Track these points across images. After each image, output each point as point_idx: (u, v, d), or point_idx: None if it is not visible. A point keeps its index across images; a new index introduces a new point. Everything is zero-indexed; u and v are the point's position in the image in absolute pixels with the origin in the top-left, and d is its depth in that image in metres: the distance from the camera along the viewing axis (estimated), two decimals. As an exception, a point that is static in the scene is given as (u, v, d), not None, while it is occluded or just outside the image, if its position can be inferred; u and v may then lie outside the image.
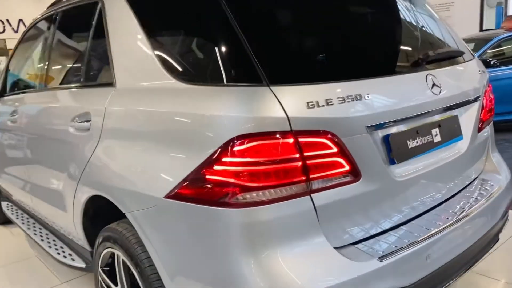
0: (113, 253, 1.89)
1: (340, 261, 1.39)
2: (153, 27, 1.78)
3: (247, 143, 1.32)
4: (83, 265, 2.38)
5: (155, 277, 1.63)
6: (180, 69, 1.60)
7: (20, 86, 3.23)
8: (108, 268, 2.01)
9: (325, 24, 1.64)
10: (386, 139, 1.56)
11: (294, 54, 1.51)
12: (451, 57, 1.94)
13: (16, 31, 19.88)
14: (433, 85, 1.69)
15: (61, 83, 2.47)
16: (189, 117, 1.44)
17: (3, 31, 19.20)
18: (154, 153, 1.55)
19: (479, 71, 2.07)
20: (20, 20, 19.82)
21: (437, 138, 1.77)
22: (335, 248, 1.42)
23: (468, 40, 6.81)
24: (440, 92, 1.71)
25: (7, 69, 3.27)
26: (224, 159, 1.33)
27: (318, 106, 1.36)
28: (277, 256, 1.34)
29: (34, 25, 3.02)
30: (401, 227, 1.62)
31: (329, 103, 1.38)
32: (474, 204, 1.83)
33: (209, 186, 1.36)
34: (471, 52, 2.16)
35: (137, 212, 1.59)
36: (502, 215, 1.97)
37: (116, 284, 1.93)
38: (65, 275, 3.01)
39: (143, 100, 1.66)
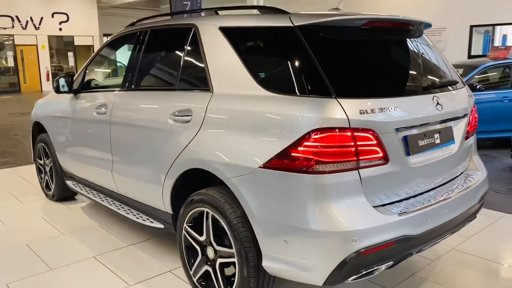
0: (202, 212, 2.61)
1: (374, 214, 2.15)
2: (244, 51, 2.53)
3: (321, 133, 2.08)
4: (161, 226, 3.08)
5: (240, 225, 2.36)
6: (272, 83, 2.34)
7: (103, 86, 3.95)
8: (191, 224, 2.73)
9: (375, 61, 2.44)
10: (405, 138, 2.33)
11: (353, 78, 2.29)
12: (449, 85, 2.73)
13: (25, 28, 20.48)
14: (437, 103, 2.48)
15: (155, 86, 3.21)
16: (281, 115, 2.19)
17: (12, 27, 19.81)
18: (250, 138, 2.29)
19: (468, 95, 2.87)
20: (30, 18, 20.41)
21: (438, 141, 2.54)
22: (372, 206, 2.18)
23: (458, 66, 7.72)
24: (441, 109, 2.50)
25: (85, 71, 3.98)
26: (305, 143, 2.09)
27: (366, 113, 2.13)
28: (329, 206, 2.09)
29: (117, 38, 3.75)
30: (412, 198, 2.39)
31: (373, 111, 2.15)
32: (461, 189, 2.61)
33: (294, 160, 2.11)
34: (463, 81, 2.95)
35: (234, 178, 2.33)
36: (479, 199, 2.75)
37: (201, 235, 2.66)
38: (130, 239, 3.72)
39: (241, 102, 2.40)
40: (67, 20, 21.22)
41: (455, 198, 2.52)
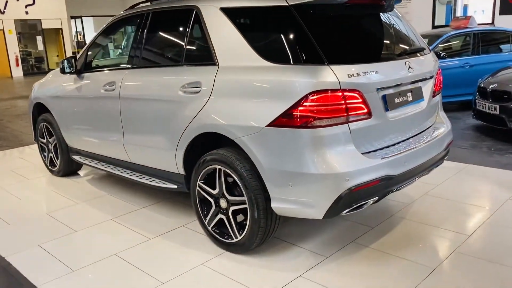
0: (215, 169, 3.03)
1: (362, 158, 2.63)
2: (245, 28, 2.94)
3: (317, 94, 2.52)
4: (174, 186, 3.49)
5: (250, 177, 2.81)
6: (272, 55, 2.74)
7: (105, 65, 4.26)
8: (204, 181, 3.16)
9: (357, 32, 2.89)
10: (384, 96, 2.80)
11: (342, 49, 2.74)
12: (418, 51, 3.21)
13: (3, 13, 19.94)
14: (409, 67, 2.96)
15: (162, 63, 3.57)
16: (282, 82, 2.61)
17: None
18: (255, 103, 2.72)
19: (434, 60, 3.37)
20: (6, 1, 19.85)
21: (410, 98, 3.04)
22: (360, 153, 2.66)
23: (423, 36, 8.27)
24: (412, 72, 2.98)
25: (87, 52, 4.28)
26: (304, 103, 2.53)
27: (353, 76, 2.58)
28: (326, 153, 2.56)
29: (116, 21, 4.07)
30: (391, 146, 2.89)
31: (358, 75, 2.60)
32: (430, 139, 3.12)
33: (295, 118, 2.55)
34: (429, 48, 3.45)
35: (245, 137, 2.75)
36: (445, 147, 3.28)
37: (214, 189, 3.09)
38: (140, 203, 4.12)
39: (246, 73, 2.81)
40: (33, 3, 20.77)
41: (425, 146, 3.03)
